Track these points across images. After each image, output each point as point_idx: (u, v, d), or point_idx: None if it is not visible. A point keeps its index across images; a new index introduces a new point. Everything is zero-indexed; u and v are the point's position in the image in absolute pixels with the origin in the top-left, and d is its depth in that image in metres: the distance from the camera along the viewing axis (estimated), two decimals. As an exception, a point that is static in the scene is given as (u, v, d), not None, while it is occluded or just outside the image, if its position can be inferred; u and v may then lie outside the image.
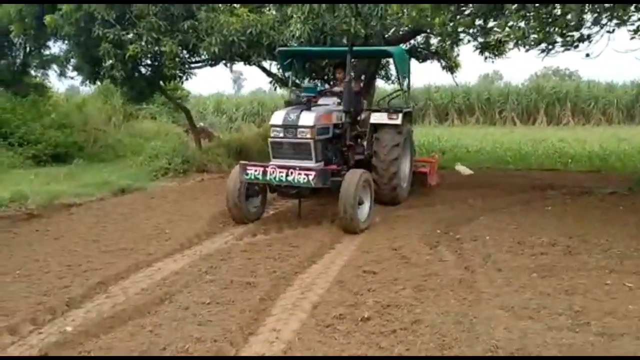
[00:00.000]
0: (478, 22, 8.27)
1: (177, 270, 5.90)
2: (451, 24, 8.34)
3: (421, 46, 16.08)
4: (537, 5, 6.77)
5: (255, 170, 7.43)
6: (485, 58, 14.19)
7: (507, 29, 7.51)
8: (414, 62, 16.98)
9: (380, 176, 8.80)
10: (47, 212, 8.46)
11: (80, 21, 11.73)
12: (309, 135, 7.61)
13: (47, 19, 11.87)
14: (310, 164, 7.58)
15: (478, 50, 13.10)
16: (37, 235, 7.40)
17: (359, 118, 9.31)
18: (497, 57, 14.13)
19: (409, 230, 7.58)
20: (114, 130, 19.06)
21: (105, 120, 20.03)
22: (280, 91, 19.55)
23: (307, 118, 7.66)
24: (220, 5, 12.78)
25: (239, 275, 5.72)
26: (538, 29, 6.93)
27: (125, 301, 5.02)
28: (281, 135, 7.77)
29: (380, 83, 18.52)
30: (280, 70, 13.02)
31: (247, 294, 5.17)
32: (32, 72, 18.30)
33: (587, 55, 7.57)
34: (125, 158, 14.81)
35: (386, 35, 14.39)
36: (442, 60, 16.79)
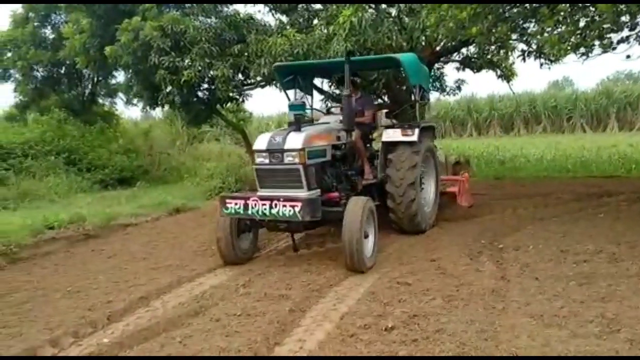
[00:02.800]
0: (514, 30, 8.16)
1: (216, 284, 6.11)
2: (493, 30, 8.29)
3: (474, 56, 15.94)
4: (569, 10, 6.66)
5: (236, 204, 6.51)
6: (541, 65, 13.88)
7: (545, 34, 7.40)
8: (469, 73, 16.90)
9: (396, 203, 7.82)
10: (104, 232, 8.95)
11: (137, 51, 12.36)
12: (297, 160, 6.60)
13: (108, 50, 12.57)
14: (302, 192, 6.62)
15: (520, 58, 12.81)
16: (92, 254, 7.84)
17: (371, 136, 8.53)
18: (552, 64, 13.80)
19: (451, 241, 7.53)
20: (178, 153, 19.79)
21: (170, 143, 20.85)
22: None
23: (295, 140, 6.65)
24: (270, 27, 13.21)
25: (274, 288, 5.86)
26: (575, 33, 6.82)
27: (162, 314, 5.25)
28: (267, 161, 6.77)
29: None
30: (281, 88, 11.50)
31: (278, 306, 5.29)
32: (100, 101, 19.27)
33: (628, 57, 7.36)
34: (186, 180, 15.33)
35: (437, 48, 14.38)
36: (497, 70, 16.59)
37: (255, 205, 6.40)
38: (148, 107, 15.38)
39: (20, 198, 11.26)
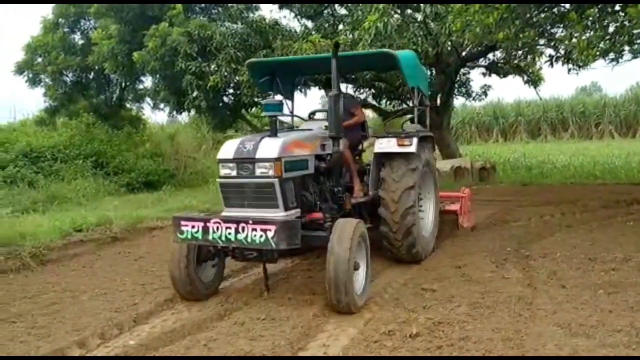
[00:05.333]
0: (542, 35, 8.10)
1: (241, 288, 6.15)
2: (520, 36, 8.24)
3: (501, 61, 15.86)
4: (598, 15, 6.60)
5: (193, 227, 5.25)
6: (569, 70, 13.73)
7: (573, 39, 7.32)
8: (495, 78, 16.81)
9: (391, 231, 6.57)
10: (131, 235, 9.07)
11: (164, 56, 12.54)
12: (271, 172, 5.31)
13: (135, 55, 12.77)
14: (277, 213, 5.37)
15: (548, 63, 12.71)
16: (118, 257, 7.95)
17: (360, 147, 7.51)
18: (580, 69, 13.64)
19: (477, 248, 7.46)
20: (204, 157, 19.94)
21: (195, 148, 21.02)
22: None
23: (269, 148, 5.39)
24: (296, 32, 13.29)
25: (298, 293, 5.86)
26: (604, 38, 6.74)
27: (187, 317, 5.29)
28: (234, 173, 5.47)
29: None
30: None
31: (302, 310, 5.29)
32: (128, 106, 19.52)
33: (659, 61, 7.25)
34: (211, 184, 15.42)
35: (463, 53, 14.33)
36: (524, 75, 16.48)
37: (218, 228, 5.15)
38: (174, 112, 15.63)
39: (49, 201, 11.45)
